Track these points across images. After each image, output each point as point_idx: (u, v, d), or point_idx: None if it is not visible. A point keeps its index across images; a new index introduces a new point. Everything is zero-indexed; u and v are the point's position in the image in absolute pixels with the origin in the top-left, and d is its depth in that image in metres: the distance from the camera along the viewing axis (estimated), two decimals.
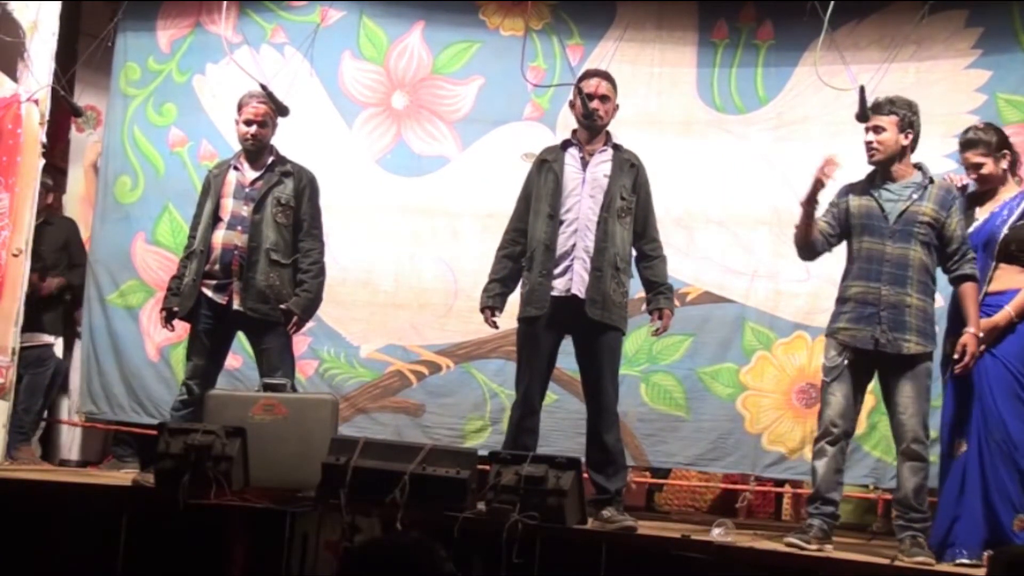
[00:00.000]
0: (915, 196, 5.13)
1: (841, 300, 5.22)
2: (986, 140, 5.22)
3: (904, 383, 5.05)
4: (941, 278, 5.23)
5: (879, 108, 5.18)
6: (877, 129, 5.17)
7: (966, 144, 5.27)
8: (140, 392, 7.24)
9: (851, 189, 5.29)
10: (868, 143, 5.20)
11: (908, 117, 5.18)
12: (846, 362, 5.12)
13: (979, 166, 5.21)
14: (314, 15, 7.34)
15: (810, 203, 5.17)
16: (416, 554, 2.51)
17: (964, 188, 5.33)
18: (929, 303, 5.13)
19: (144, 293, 7.34)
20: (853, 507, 6.85)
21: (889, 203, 5.14)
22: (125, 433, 7.25)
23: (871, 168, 5.25)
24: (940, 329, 5.26)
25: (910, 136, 5.19)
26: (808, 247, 5.32)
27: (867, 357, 5.12)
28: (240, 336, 6.11)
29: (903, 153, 5.20)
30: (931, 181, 5.17)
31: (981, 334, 4.99)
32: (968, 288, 5.08)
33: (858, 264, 5.16)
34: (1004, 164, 5.20)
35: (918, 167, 5.22)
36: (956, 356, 5.03)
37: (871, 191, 5.21)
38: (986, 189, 5.24)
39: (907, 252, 5.08)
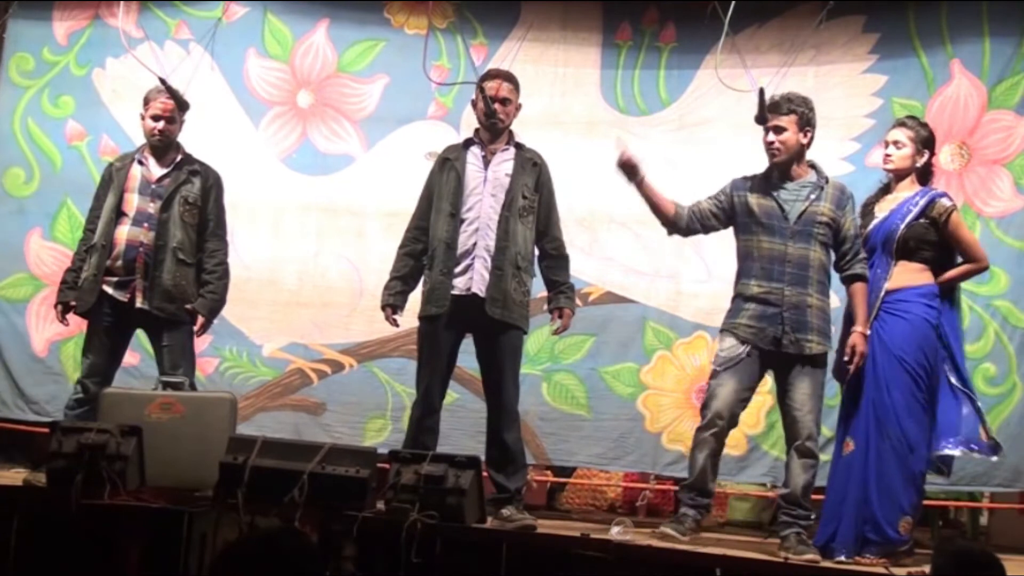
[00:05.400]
0: (812, 196, 5.18)
1: (741, 298, 5.23)
2: (917, 129, 5.26)
3: (802, 381, 5.11)
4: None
5: (778, 107, 5.20)
6: (778, 129, 5.19)
7: (898, 123, 5.32)
8: (25, 389, 7.08)
9: (748, 185, 5.31)
10: (770, 143, 5.22)
11: (806, 115, 5.22)
12: (745, 354, 5.16)
13: (899, 144, 5.23)
14: (217, 11, 7.26)
15: (638, 187, 5.32)
16: (283, 543, 2.49)
17: (887, 187, 5.33)
18: (827, 303, 5.21)
19: (32, 286, 7.20)
20: (751, 505, 6.93)
21: (788, 203, 5.18)
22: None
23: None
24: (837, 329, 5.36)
25: (808, 134, 5.24)
26: (668, 223, 5.41)
27: (765, 355, 5.17)
28: (139, 333, 6.02)
29: (802, 152, 5.25)
30: (826, 181, 5.25)
31: (868, 332, 5.07)
32: (859, 288, 5.15)
33: (759, 264, 5.19)
34: (920, 161, 5.24)
35: (812, 166, 5.29)
36: (846, 358, 5.10)
37: (770, 191, 5.24)
38: (898, 173, 5.25)
39: (807, 253, 5.14)
